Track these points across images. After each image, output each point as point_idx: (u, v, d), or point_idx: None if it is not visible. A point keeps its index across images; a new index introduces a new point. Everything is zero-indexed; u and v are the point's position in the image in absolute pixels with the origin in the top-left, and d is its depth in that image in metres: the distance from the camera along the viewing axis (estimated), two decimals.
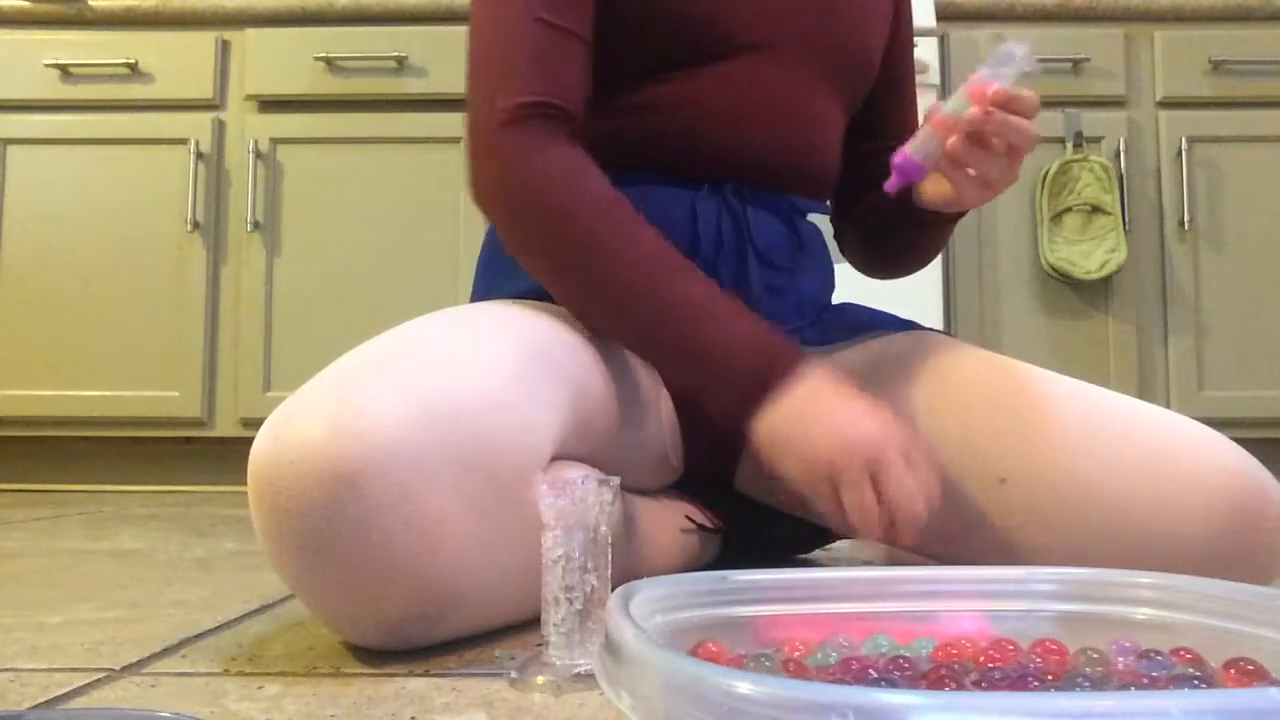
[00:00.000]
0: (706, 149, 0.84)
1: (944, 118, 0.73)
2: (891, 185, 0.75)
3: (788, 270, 0.87)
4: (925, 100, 1.17)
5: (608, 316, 0.74)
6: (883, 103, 0.97)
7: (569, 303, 0.77)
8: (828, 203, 0.95)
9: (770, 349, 0.70)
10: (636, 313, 0.72)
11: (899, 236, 0.93)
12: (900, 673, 0.43)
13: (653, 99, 0.83)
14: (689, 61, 0.83)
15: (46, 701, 0.50)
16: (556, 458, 0.69)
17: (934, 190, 0.78)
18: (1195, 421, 0.73)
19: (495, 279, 0.89)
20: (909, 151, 0.74)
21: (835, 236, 1.04)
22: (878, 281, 1.04)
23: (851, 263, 1.03)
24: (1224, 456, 0.69)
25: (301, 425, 0.55)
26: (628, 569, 0.74)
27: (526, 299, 0.83)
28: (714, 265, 0.84)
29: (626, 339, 0.75)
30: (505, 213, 0.76)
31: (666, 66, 0.83)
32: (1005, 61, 0.71)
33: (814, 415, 0.67)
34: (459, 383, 0.61)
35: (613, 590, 0.46)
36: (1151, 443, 0.70)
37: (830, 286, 0.95)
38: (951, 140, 0.73)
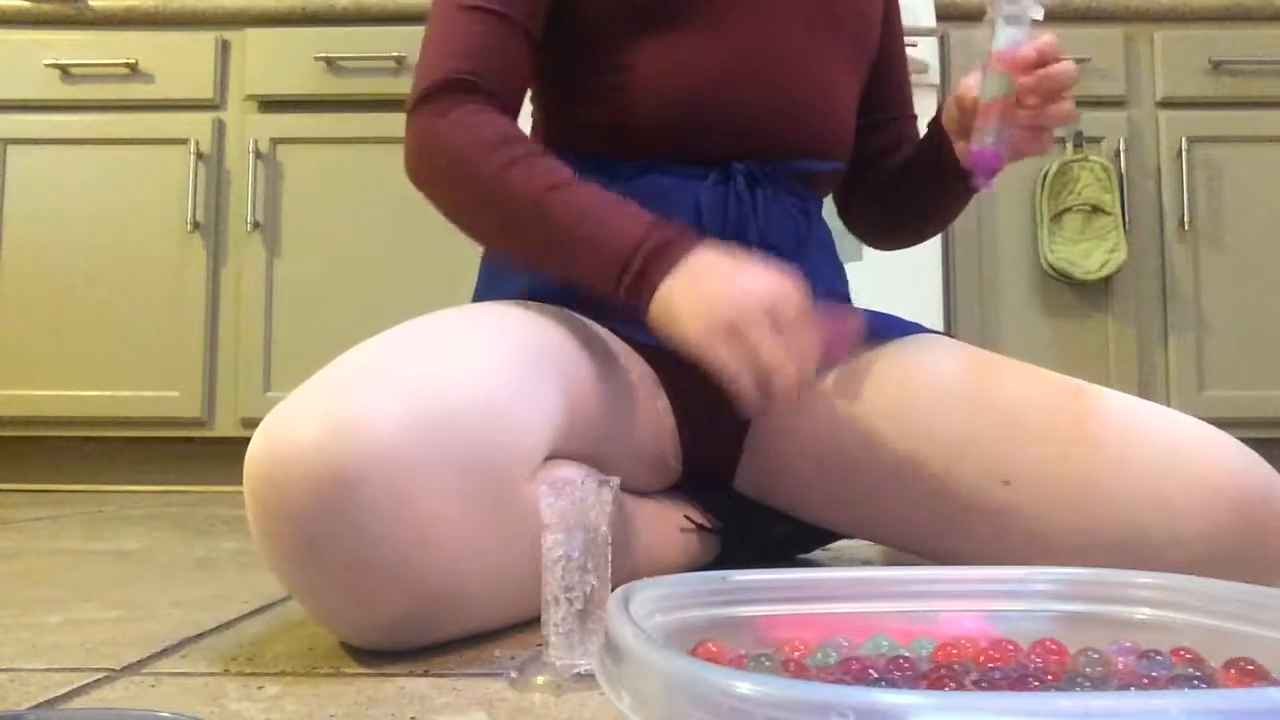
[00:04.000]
0: (711, 119, 0.83)
1: (999, 99, 0.75)
2: (986, 185, 0.78)
3: (791, 259, 0.86)
4: (923, 99, 1.17)
5: (515, 240, 0.77)
6: (886, 76, 0.98)
7: (487, 241, 0.81)
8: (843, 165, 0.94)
9: (664, 229, 0.72)
10: (532, 228, 0.74)
11: (921, 201, 0.93)
12: (900, 673, 0.43)
13: (649, 68, 0.82)
14: (685, 16, 0.82)
15: (46, 701, 0.50)
16: (553, 457, 0.69)
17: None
18: (1200, 421, 0.72)
19: (493, 282, 0.89)
20: (985, 144, 0.76)
21: (839, 212, 1.03)
22: (877, 281, 1.03)
23: (858, 232, 1.03)
24: (1229, 456, 0.68)
25: (296, 427, 0.55)
26: (628, 569, 0.74)
27: (523, 300, 0.83)
28: None
29: (536, 258, 0.76)
30: (420, 177, 0.81)
31: (659, 22, 0.83)
32: (1019, 19, 0.75)
33: (711, 275, 0.69)
34: (452, 383, 0.61)
35: (613, 590, 0.46)
36: (1156, 443, 0.70)
37: (841, 289, 0.93)
38: (1021, 115, 0.76)
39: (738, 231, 0.83)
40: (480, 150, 0.76)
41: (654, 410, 0.84)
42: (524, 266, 0.81)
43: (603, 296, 0.73)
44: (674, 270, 0.69)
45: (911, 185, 0.93)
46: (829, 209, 0.97)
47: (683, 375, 0.85)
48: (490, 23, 0.80)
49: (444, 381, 0.61)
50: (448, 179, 0.78)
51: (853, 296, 0.98)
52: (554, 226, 0.73)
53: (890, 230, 1.00)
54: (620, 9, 0.83)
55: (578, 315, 0.81)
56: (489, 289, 0.89)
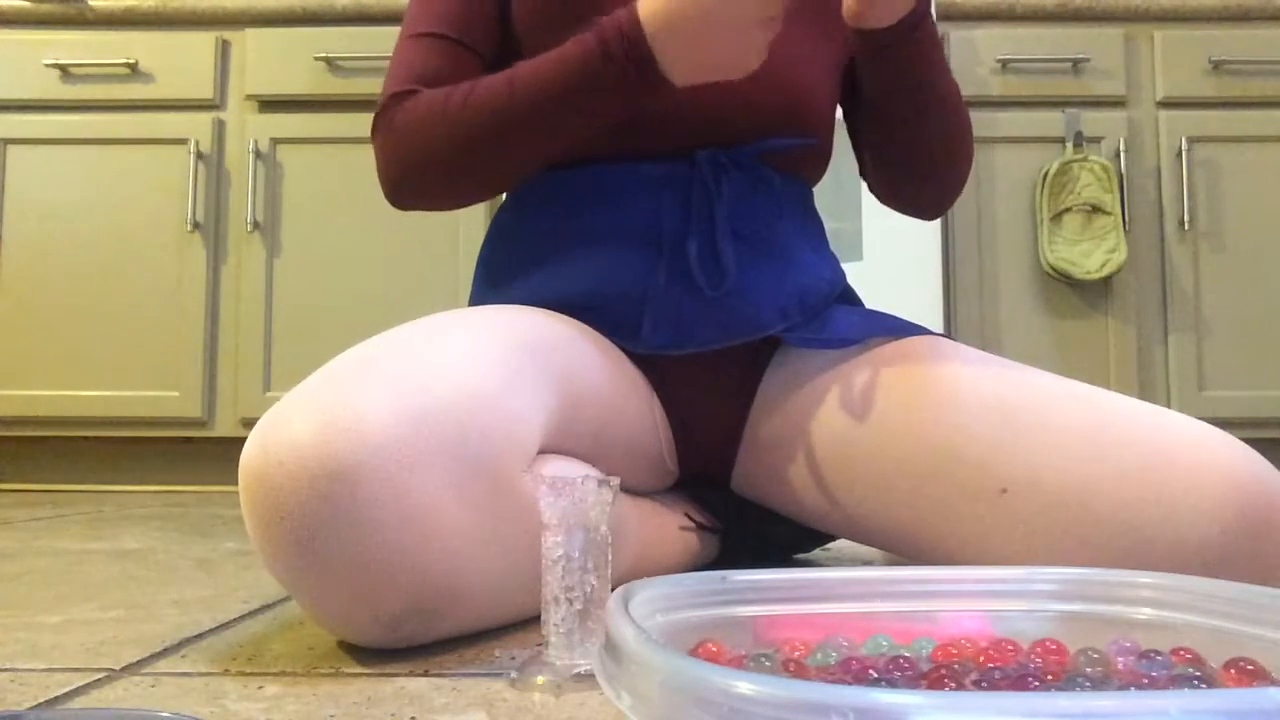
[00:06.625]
0: (665, 112, 0.81)
1: None
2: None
3: (762, 243, 0.84)
4: None
5: (516, 131, 0.78)
6: None
7: (495, 164, 0.81)
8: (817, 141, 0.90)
9: (608, 19, 0.74)
10: (523, 105, 0.76)
11: (884, 110, 0.88)
12: (900, 673, 0.43)
13: None
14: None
15: (46, 701, 0.50)
16: (548, 450, 0.69)
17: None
18: (1201, 422, 0.71)
19: (486, 290, 0.90)
20: None
21: (871, 189, 0.99)
22: (877, 280, 1.02)
23: (881, 195, 0.97)
24: (1231, 457, 0.67)
25: (289, 426, 0.55)
26: (628, 569, 0.74)
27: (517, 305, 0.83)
28: (682, 250, 0.82)
29: (542, 128, 0.78)
30: (400, 178, 0.83)
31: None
32: None
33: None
34: (443, 375, 0.61)
35: (613, 590, 0.46)
36: (1156, 446, 0.69)
37: (826, 281, 0.90)
38: None
39: (703, 219, 0.82)
40: (436, 108, 0.80)
41: (650, 410, 0.84)
42: (539, 151, 0.80)
43: (622, 98, 0.75)
44: (641, 20, 0.73)
45: (877, 116, 0.90)
46: (837, 205, 0.96)
47: (674, 381, 0.85)
48: (437, 47, 0.85)
49: (433, 373, 0.61)
50: (423, 152, 0.81)
51: (853, 288, 0.97)
52: (538, 87, 0.76)
53: (895, 175, 0.94)
54: (557, 13, 0.83)
55: (571, 319, 0.81)
56: (483, 298, 0.90)
